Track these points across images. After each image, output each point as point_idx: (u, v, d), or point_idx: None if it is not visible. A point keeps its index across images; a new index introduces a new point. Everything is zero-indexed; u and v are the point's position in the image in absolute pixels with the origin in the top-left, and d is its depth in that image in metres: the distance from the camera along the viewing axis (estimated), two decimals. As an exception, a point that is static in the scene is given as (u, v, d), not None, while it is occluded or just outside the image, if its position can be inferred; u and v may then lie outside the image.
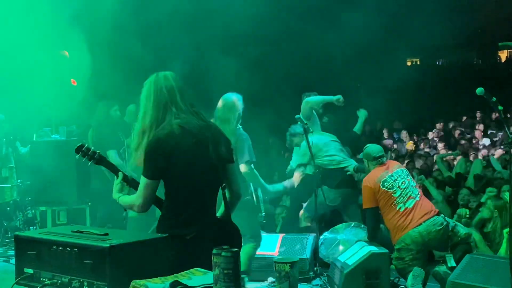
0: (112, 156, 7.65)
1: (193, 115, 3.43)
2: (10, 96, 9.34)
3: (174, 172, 3.34)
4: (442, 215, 5.99)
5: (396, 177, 6.06)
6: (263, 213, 5.94)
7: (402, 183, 6.02)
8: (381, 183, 6.04)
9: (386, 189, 6.01)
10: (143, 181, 3.36)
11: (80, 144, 3.64)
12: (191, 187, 3.38)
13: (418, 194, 6.02)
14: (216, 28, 12.96)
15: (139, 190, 3.38)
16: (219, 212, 3.61)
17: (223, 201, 3.59)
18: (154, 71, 3.58)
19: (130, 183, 3.57)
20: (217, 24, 12.87)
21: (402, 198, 5.95)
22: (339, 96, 7.64)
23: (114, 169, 3.61)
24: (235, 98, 5.62)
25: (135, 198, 3.40)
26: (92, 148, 3.59)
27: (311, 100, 7.68)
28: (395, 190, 5.99)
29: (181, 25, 12.40)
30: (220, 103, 5.62)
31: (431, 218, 5.83)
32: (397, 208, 5.93)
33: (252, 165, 5.61)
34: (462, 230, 5.92)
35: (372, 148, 6.36)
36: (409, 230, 5.80)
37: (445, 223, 5.83)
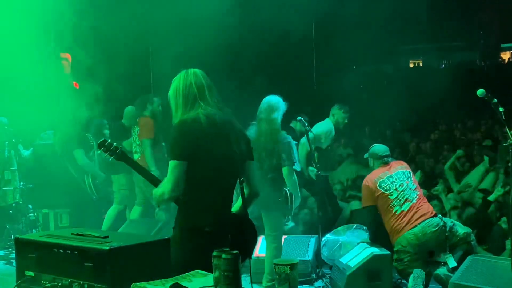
0: (79, 155, 7.69)
1: (219, 110, 3.51)
2: (12, 99, 9.36)
3: (197, 158, 3.37)
4: (439, 215, 5.99)
5: (395, 179, 6.07)
6: (291, 218, 6.01)
7: (400, 185, 6.02)
8: (378, 184, 6.08)
9: (383, 191, 6.03)
10: (171, 164, 3.37)
11: (103, 139, 3.67)
12: (211, 177, 3.42)
13: (415, 197, 6.00)
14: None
15: (168, 175, 3.37)
16: (235, 207, 3.63)
17: (240, 196, 3.61)
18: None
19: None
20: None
21: (398, 200, 5.96)
22: None
23: (135, 166, 3.64)
24: (276, 101, 5.76)
25: (164, 184, 3.40)
26: (115, 143, 3.61)
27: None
28: (391, 192, 6.00)
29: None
30: (263, 105, 5.74)
31: (426, 219, 5.83)
32: (394, 211, 5.95)
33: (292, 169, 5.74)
34: (460, 229, 5.91)
35: (378, 148, 6.42)
36: (405, 232, 5.82)
37: (441, 223, 5.82)
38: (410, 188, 6.04)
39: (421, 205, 5.96)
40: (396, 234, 5.90)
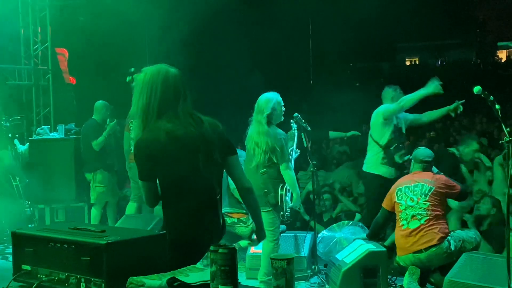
0: (6, 157, 7.64)
1: (186, 122, 3.27)
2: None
3: (161, 176, 3.29)
4: (449, 237, 5.68)
5: (411, 191, 5.84)
6: (288, 213, 5.99)
7: (410, 199, 5.80)
8: (396, 191, 5.95)
9: (397, 200, 5.91)
10: (139, 182, 3.38)
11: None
12: (182, 190, 3.31)
13: (425, 216, 5.71)
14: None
15: (141, 190, 3.42)
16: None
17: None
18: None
19: None
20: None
21: (405, 215, 5.78)
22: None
23: None
24: (266, 99, 5.77)
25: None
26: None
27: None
28: (402, 203, 5.86)
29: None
30: (257, 103, 5.79)
31: (433, 247, 5.62)
32: (401, 224, 5.83)
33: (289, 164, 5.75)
34: (469, 246, 5.73)
35: (421, 151, 6.20)
36: (410, 253, 5.71)
37: (451, 248, 5.62)
38: (421, 207, 5.74)
39: (430, 229, 5.66)
40: (401, 251, 5.82)
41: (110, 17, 11.82)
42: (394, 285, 6.07)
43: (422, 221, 5.69)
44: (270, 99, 5.77)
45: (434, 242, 5.62)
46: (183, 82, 3.34)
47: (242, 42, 15.11)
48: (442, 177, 6.02)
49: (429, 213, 5.72)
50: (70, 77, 12.93)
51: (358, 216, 8.14)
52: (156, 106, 3.26)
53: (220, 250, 2.47)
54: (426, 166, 6.06)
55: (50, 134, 9.36)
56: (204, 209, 3.37)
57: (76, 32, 13.24)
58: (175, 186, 3.32)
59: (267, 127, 5.69)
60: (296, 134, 6.56)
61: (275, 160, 5.70)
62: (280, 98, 5.82)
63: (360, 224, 7.02)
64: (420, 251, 5.66)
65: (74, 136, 9.03)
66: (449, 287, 5.22)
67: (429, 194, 5.76)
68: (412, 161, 6.22)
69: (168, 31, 12.27)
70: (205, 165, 3.29)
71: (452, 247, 5.64)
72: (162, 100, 3.26)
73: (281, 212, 5.86)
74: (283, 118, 5.90)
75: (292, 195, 5.93)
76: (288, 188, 5.83)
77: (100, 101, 8.37)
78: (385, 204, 6.15)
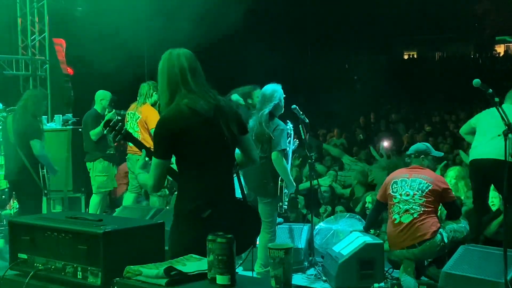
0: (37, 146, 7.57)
1: (203, 95, 3.39)
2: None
3: (185, 152, 3.33)
4: (441, 230, 5.66)
5: (407, 185, 5.80)
6: (285, 205, 5.99)
7: (406, 193, 5.75)
8: (391, 183, 5.91)
9: (391, 192, 5.87)
10: (153, 161, 3.34)
11: (108, 118, 3.65)
12: (204, 163, 3.36)
13: (419, 211, 5.66)
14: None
15: (151, 170, 3.36)
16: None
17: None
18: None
19: None
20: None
21: (398, 208, 5.75)
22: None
23: (139, 145, 3.63)
24: (272, 89, 5.81)
25: (147, 178, 3.40)
26: (120, 123, 3.59)
27: None
28: (396, 196, 5.81)
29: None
30: (260, 96, 5.86)
31: (427, 241, 5.60)
32: (393, 217, 5.79)
33: (281, 154, 5.74)
34: (460, 235, 5.73)
35: (420, 146, 6.19)
36: (403, 248, 5.69)
37: (444, 241, 5.61)
38: (415, 202, 5.69)
39: (422, 223, 5.63)
40: (394, 246, 5.81)
41: (109, 7, 11.77)
42: (390, 278, 6.07)
43: (415, 215, 5.66)
44: (276, 90, 5.81)
45: (428, 236, 5.60)
46: (190, 59, 3.45)
47: (241, 38, 15.16)
48: (441, 178, 6.04)
49: (422, 208, 5.68)
50: (68, 68, 12.88)
51: None
52: (166, 87, 3.41)
53: (218, 240, 2.46)
54: (425, 162, 6.04)
55: (47, 124, 9.33)
56: (224, 182, 3.46)
57: (74, 22, 13.18)
58: (198, 157, 3.35)
59: (269, 118, 5.69)
60: (292, 133, 6.54)
61: (271, 150, 5.69)
62: (282, 91, 5.85)
63: (358, 216, 7.02)
64: (413, 246, 5.64)
65: (71, 127, 9.01)
66: (446, 279, 5.22)
67: (426, 191, 5.71)
68: (412, 155, 6.15)
69: (168, 20, 12.24)
70: (225, 134, 3.39)
71: (446, 240, 5.63)
72: (170, 79, 3.40)
73: (279, 203, 5.86)
74: (283, 110, 5.91)
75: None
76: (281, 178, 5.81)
77: (100, 90, 8.34)
78: (379, 196, 6.15)
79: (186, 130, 3.30)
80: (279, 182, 5.79)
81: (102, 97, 8.24)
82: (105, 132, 3.60)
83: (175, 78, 3.39)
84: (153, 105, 7.68)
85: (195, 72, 3.42)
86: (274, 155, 5.68)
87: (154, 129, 7.46)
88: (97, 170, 8.14)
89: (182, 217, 3.39)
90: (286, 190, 5.90)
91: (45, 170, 7.08)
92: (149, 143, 7.70)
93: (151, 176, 3.36)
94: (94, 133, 7.99)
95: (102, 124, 7.96)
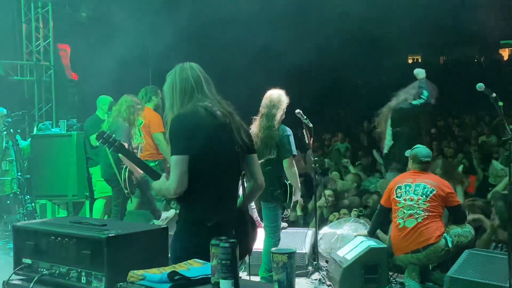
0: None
1: (218, 102, 3.42)
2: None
3: (198, 151, 3.26)
4: (445, 235, 5.65)
5: (412, 190, 5.79)
6: (288, 212, 6.01)
7: (410, 198, 5.75)
8: (395, 188, 5.91)
9: (395, 197, 5.86)
10: (172, 160, 3.26)
11: (102, 130, 3.66)
12: (213, 170, 3.31)
13: (423, 216, 5.66)
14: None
15: (171, 172, 3.25)
16: (238, 201, 3.56)
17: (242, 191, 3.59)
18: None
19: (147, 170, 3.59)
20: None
21: (403, 213, 5.74)
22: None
23: (134, 159, 3.61)
24: (279, 95, 5.82)
25: (169, 182, 3.28)
26: (113, 136, 3.59)
27: None
28: (400, 201, 5.81)
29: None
30: (265, 100, 5.80)
31: (431, 245, 5.59)
32: (397, 222, 5.79)
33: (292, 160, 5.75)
34: (464, 240, 5.71)
35: (421, 150, 6.09)
36: (408, 252, 5.69)
37: (448, 246, 5.60)
38: (420, 206, 5.69)
39: (427, 227, 5.63)
40: (398, 251, 5.79)
41: (113, 13, 11.81)
42: (395, 282, 6.06)
43: (419, 220, 5.66)
44: (282, 95, 5.83)
45: (432, 240, 5.59)
46: (203, 70, 3.49)
47: (244, 41, 15.13)
48: (446, 182, 6.00)
49: (427, 213, 5.67)
50: (72, 73, 12.92)
51: None
52: (178, 98, 3.40)
53: (221, 244, 2.46)
54: (425, 167, 6.02)
55: (52, 129, 9.37)
56: (230, 190, 3.44)
57: (78, 28, 13.23)
58: (209, 159, 3.31)
59: (275, 123, 5.70)
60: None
61: (280, 156, 5.70)
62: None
63: (362, 221, 7.01)
64: (418, 251, 5.63)
65: (76, 132, 9.03)
66: (450, 284, 5.23)
67: (430, 195, 5.72)
68: (411, 160, 6.13)
69: (170, 22, 12.25)
70: (237, 141, 3.39)
71: (450, 244, 5.61)
72: (183, 89, 3.40)
73: (286, 208, 5.88)
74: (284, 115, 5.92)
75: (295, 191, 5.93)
76: (289, 184, 5.82)
77: (102, 96, 8.35)
78: (383, 201, 6.14)
79: (200, 127, 3.28)
80: (288, 188, 5.81)
81: (103, 102, 8.26)
82: (97, 144, 3.61)
83: (189, 88, 3.39)
84: (154, 109, 7.69)
85: (208, 81, 3.46)
86: (286, 162, 5.71)
87: (157, 133, 7.56)
88: (98, 175, 8.16)
89: (187, 224, 3.35)
90: (292, 196, 5.91)
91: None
92: (152, 147, 7.71)
93: (172, 178, 3.24)
94: (94, 138, 8.01)
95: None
